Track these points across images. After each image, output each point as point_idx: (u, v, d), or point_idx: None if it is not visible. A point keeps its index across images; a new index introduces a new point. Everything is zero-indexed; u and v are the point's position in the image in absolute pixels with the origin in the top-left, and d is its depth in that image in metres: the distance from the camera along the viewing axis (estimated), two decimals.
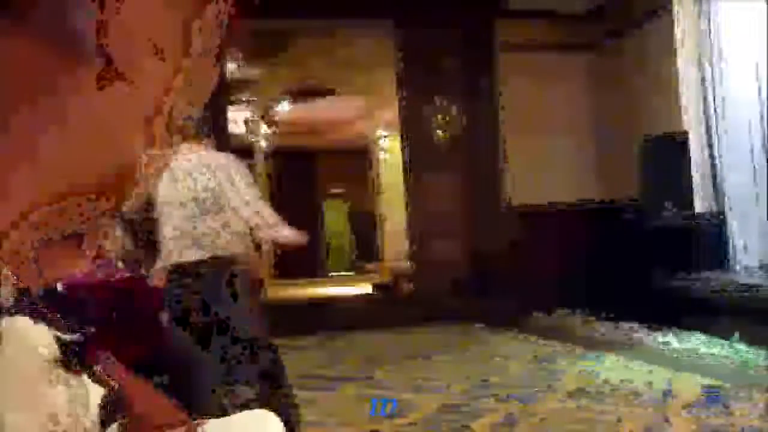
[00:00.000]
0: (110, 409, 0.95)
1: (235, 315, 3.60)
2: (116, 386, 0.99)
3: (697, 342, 6.16)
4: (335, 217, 17.26)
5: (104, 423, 0.95)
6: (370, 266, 12.43)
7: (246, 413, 1.82)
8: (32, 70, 0.39)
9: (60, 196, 0.41)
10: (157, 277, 3.70)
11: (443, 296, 8.74)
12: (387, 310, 9.03)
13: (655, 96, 8.20)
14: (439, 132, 8.87)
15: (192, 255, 3.57)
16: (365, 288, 11.14)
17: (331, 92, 10.42)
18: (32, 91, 0.38)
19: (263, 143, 11.67)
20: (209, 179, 3.55)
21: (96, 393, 0.97)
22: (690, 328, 6.54)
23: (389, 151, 12.66)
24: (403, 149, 9.24)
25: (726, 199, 7.36)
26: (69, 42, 0.37)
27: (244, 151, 10.06)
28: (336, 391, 5.32)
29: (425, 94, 8.92)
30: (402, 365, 6.25)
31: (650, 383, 4.87)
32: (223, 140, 8.59)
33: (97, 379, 0.97)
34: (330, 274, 15.49)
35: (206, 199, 3.55)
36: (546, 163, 9.27)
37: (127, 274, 4.04)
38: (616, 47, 9.10)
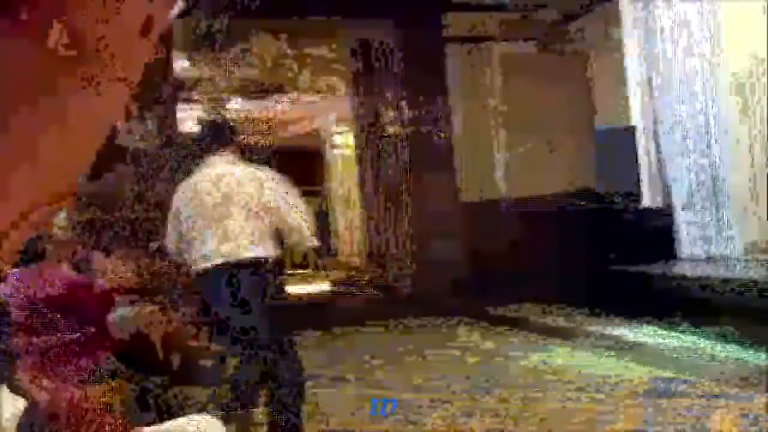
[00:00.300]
0: (30, 419, 0.94)
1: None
2: (37, 398, 0.98)
3: (646, 332, 6.27)
4: None
5: None
6: (323, 263, 12.43)
7: (186, 418, 1.82)
8: (32, 70, 0.38)
9: (60, 196, 0.40)
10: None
11: (401, 290, 8.79)
12: (347, 307, 9.04)
13: (606, 87, 8.34)
14: (391, 128, 8.89)
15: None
16: (323, 285, 11.13)
17: (281, 89, 10.37)
18: (32, 91, 0.37)
19: None
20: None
21: (17, 404, 0.96)
22: (641, 318, 6.66)
23: (343, 147, 12.66)
24: (356, 146, 9.26)
25: (671, 191, 7.51)
26: (69, 43, 0.37)
27: None
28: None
29: (377, 89, 8.93)
30: (361, 361, 6.25)
31: (602, 375, 4.95)
32: (173, 138, 8.52)
33: (18, 391, 0.96)
34: (287, 272, 15.41)
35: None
36: (500, 157, 9.35)
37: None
38: (562, 37, 9.22)
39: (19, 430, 0.90)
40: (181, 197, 3.83)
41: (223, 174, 3.75)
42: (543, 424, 3.92)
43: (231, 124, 4.24)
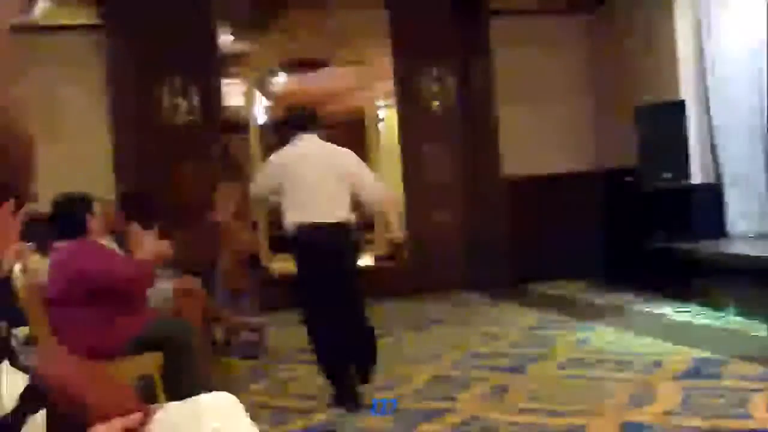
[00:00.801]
0: (30, 396, 0.94)
1: None
2: (39, 376, 0.99)
3: (691, 312, 6.16)
4: None
5: (25, 410, 0.94)
6: (369, 237, 12.43)
7: (205, 396, 1.82)
8: None
9: None
10: None
11: (440, 266, 8.75)
12: (386, 281, 9.04)
13: (652, 60, 8.10)
14: (434, 102, 8.82)
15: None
16: (367, 260, 11.13)
17: (325, 64, 10.34)
18: None
19: (260, 116, 11.64)
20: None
21: (19, 381, 0.96)
22: (685, 297, 6.54)
23: (387, 121, 12.60)
24: (398, 120, 9.20)
25: (723, 167, 7.31)
26: None
27: (238, 125, 10.05)
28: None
29: (420, 63, 8.85)
30: (398, 335, 6.27)
31: (642, 354, 4.87)
32: (217, 113, 8.58)
33: (20, 368, 0.96)
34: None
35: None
36: (543, 131, 9.21)
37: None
38: (609, 9, 9.00)
39: (19, 407, 0.91)
40: (285, 159, 4.54)
41: (317, 148, 4.54)
42: (578, 402, 3.87)
43: (315, 111, 4.89)
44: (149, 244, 4.00)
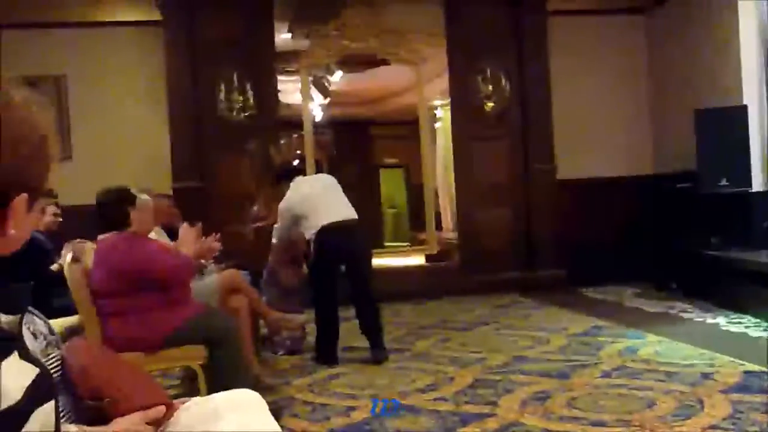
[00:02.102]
0: (38, 387, 0.96)
1: None
2: (47, 368, 1.00)
3: (745, 323, 6.00)
4: (391, 188, 17.24)
5: (34, 401, 0.96)
6: (422, 236, 12.40)
7: (229, 392, 1.84)
8: None
9: None
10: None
11: (491, 267, 8.70)
12: (436, 281, 9.03)
13: (713, 62, 7.90)
14: (488, 102, 8.75)
15: None
16: (419, 259, 11.12)
17: (384, 62, 10.34)
18: None
19: (316, 113, 11.71)
20: None
21: (28, 373, 0.97)
22: (739, 307, 6.37)
23: (443, 121, 12.56)
24: (452, 119, 9.17)
25: None
26: None
27: (293, 122, 10.11)
28: (376, 364, 5.36)
29: (474, 63, 8.79)
30: (444, 336, 6.25)
31: (692, 364, 4.76)
32: (274, 110, 8.66)
33: (30, 360, 0.98)
34: (386, 245, 15.50)
35: None
36: (598, 133, 9.09)
37: None
38: (669, 9, 8.82)
39: (27, 398, 0.93)
40: (299, 192, 5.61)
41: (313, 179, 6.36)
42: (621, 412, 3.80)
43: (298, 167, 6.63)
44: (190, 240, 4.05)
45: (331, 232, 5.43)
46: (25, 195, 0.98)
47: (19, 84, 0.99)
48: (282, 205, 5.66)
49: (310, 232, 5.52)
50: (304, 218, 5.55)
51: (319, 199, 5.58)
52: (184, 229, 4.15)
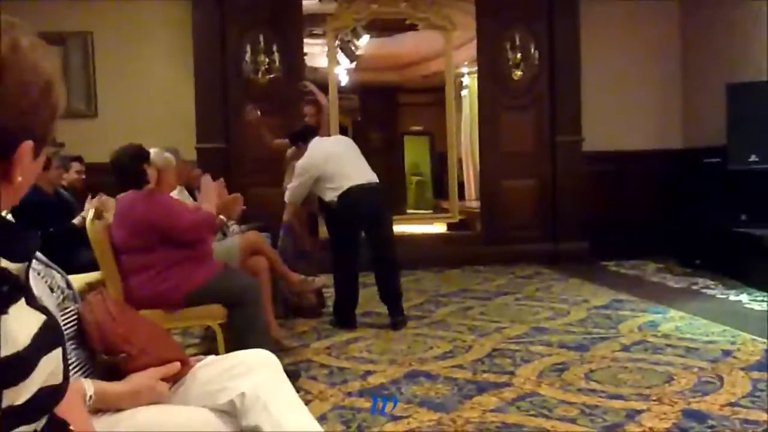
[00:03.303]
0: (45, 334, 0.95)
1: None
2: (54, 316, 0.99)
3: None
4: (415, 155, 17.13)
5: (41, 348, 0.95)
6: (445, 205, 12.34)
7: (242, 352, 1.84)
8: None
9: None
10: None
11: (513, 237, 8.66)
12: (457, 250, 8.99)
13: (748, 36, 7.73)
14: (516, 70, 8.64)
15: None
16: (441, 227, 11.07)
17: (413, 27, 10.21)
18: None
19: (342, 77, 11.63)
20: None
21: (35, 320, 0.97)
22: (763, 285, 6.29)
23: (469, 88, 12.42)
24: (478, 87, 9.07)
25: None
26: None
27: (321, 84, 10.03)
28: (394, 329, 5.36)
29: (503, 31, 8.68)
30: (463, 305, 6.24)
31: (713, 341, 4.72)
32: (300, 72, 8.61)
33: (37, 308, 0.97)
34: (408, 212, 15.45)
35: None
36: (627, 105, 8.97)
37: None
38: None
39: (34, 344, 0.92)
40: (319, 151, 5.51)
41: (334, 139, 5.92)
42: (639, 386, 3.78)
43: (312, 127, 5.95)
44: (212, 193, 4.03)
45: (356, 194, 5.35)
46: (30, 142, 0.96)
47: (26, 29, 0.97)
48: (302, 162, 5.51)
49: (332, 194, 5.40)
50: (327, 179, 5.42)
51: (342, 161, 5.47)
52: (206, 183, 4.14)
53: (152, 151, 3.89)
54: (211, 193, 4.03)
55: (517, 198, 8.74)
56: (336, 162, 5.44)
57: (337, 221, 5.54)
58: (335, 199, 5.39)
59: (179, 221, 3.69)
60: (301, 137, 5.67)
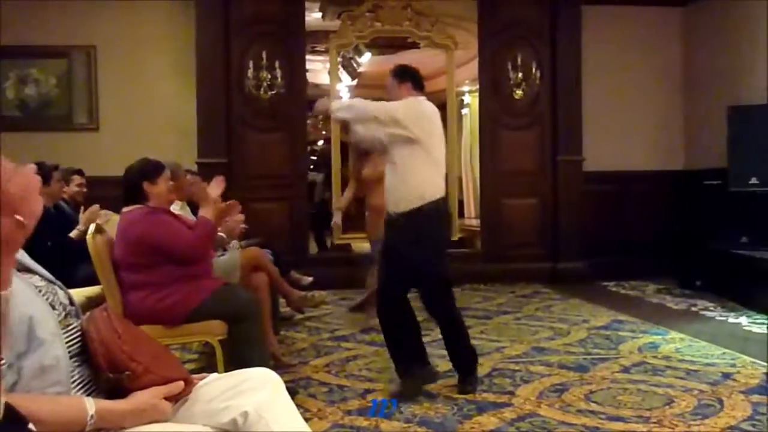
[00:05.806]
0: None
1: None
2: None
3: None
4: None
5: None
6: None
7: (245, 370, 1.83)
8: None
9: None
10: None
11: (513, 256, 8.65)
12: (456, 268, 8.97)
13: (748, 58, 7.77)
14: (518, 90, 8.66)
15: None
16: None
17: (414, 45, 10.26)
18: None
19: (344, 94, 11.66)
20: None
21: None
22: (763, 308, 6.29)
23: (471, 107, 12.45)
24: (479, 105, 9.10)
25: None
26: None
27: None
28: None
29: (505, 50, 8.71)
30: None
31: (712, 363, 4.71)
32: (302, 88, 8.64)
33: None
34: None
35: None
36: (628, 126, 8.99)
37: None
38: (704, 3, 8.66)
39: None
40: (425, 113, 4.04)
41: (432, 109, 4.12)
42: (639, 408, 3.76)
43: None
44: (208, 193, 4.00)
45: (444, 206, 4.15)
46: None
47: None
48: (393, 105, 4.04)
49: (431, 190, 4.01)
50: (417, 146, 3.96)
51: (438, 146, 4.08)
52: (201, 185, 4.13)
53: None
54: (208, 195, 3.97)
55: (518, 217, 8.74)
56: (430, 146, 4.02)
57: (430, 228, 4.07)
58: (427, 198, 4.02)
59: (178, 241, 3.68)
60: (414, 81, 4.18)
